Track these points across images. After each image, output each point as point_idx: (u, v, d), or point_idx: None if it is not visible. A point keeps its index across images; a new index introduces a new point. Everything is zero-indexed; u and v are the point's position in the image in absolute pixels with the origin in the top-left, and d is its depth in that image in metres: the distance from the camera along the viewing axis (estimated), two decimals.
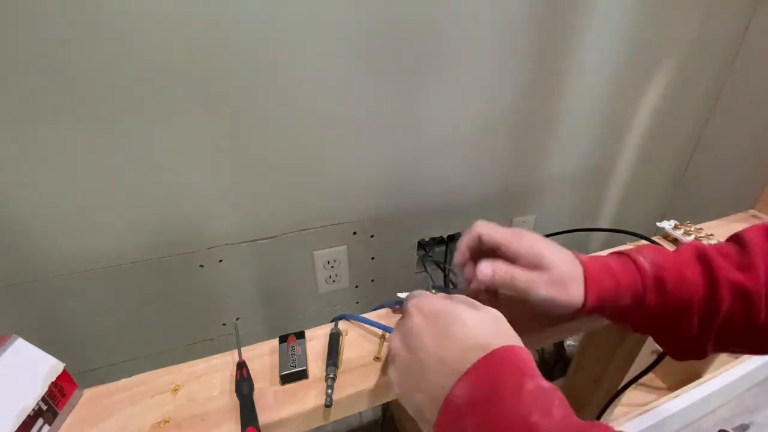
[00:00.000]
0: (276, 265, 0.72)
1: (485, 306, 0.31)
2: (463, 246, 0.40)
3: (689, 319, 0.36)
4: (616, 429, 0.24)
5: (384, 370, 0.40)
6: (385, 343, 0.43)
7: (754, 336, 0.36)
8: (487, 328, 0.28)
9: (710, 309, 0.35)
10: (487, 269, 0.36)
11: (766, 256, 0.35)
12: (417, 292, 0.35)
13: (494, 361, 0.26)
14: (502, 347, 0.26)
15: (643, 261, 0.37)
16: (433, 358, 0.27)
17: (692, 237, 0.60)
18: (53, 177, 0.52)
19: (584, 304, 0.36)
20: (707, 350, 0.38)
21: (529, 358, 0.27)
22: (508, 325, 0.30)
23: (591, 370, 0.69)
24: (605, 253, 0.43)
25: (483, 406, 0.24)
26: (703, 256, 0.37)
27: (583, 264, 0.37)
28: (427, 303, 0.31)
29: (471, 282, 0.39)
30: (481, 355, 0.26)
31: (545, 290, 0.35)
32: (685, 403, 0.79)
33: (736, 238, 0.38)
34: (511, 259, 0.37)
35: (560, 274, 0.36)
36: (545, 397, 0.24)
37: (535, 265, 0.36)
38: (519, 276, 0.36)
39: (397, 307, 0.47)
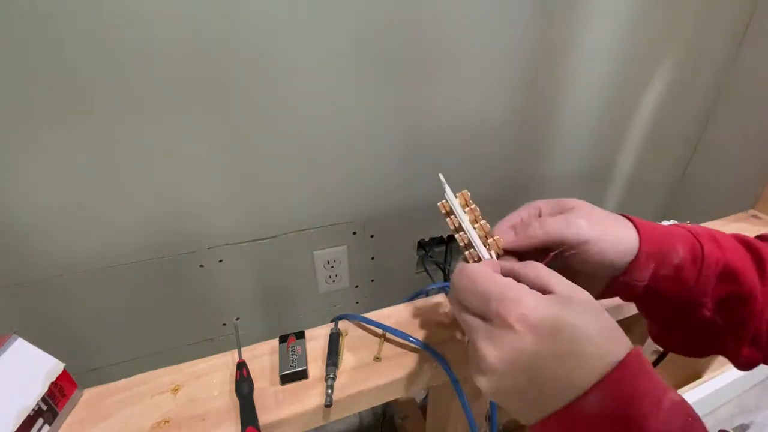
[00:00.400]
0: (276, 265, 0.72)
1: (576, 287, 0.27)
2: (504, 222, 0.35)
3: (747, 307, 0.31)
4: None
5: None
6: (385, 344, 0.43)
7: None
8: (605, 335, 0.24)
9: (760, 303, 0.32)
10: (507, 234, 0.33)
11: None
12: (493, 287, 0.26)
13: (626, 373, 0.23)
14: (631, 355, 0.23)
15: (691, 226, 0.34)
16: (553, 379, 0.24)
17: None
18: (53, 177, 0.52)
19: (639, 251, 0.31)
20: (737, 353, 0.34)
21: (652, 367, 0.24)
22: (610, 317, 0.26)
23: None
24: None
25: (619, 421, 0.22)
26: (751, 245, 0.34)
27: (633, 220, 0.33)
28: (536, 314, 0.24)
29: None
30: (609, 366, 0.23)
31: (586, 227, 0.31)
32: None
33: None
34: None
35: (592, 210, 0.32)
36: (681, 414, 0.22)
37: (560, 209, 0.34)
38: (549, 221, 0.32)
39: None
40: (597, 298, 0.33)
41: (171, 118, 0.53)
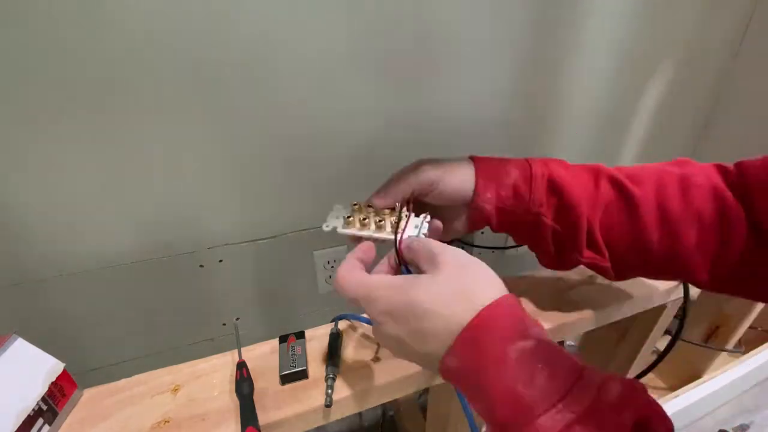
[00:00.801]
0: (276, 265, 0.72)
1: (442, 252, 0.30)
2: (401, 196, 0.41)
3: (574, 212, 0.38)
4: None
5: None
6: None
7: (646, 256, 0.38)
8: (453, 300, 0.27)
9: (593, 202, 0.38)
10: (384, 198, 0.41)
11: (654, 181, 0.39)
12: (355, 291, 0.31)
13: (473, 332, 0.25)
14: (478, 316, 0.25)
15: (534, 160, 0.41)
16: (418, 354, 0.28)
17: None
18: (53, 177, 0.52)
19: (477, 177, 0.39)
20: (580, 255, 0.39)
21: (510, 313, 0.26)
22: (473, 266, 0.29)
23: None
24: None
25: (472, 378, 0.25)
26: (594, 167, 0.42)
27: (472, 158, 0.41)
28: (389, 304, 0.28)
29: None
30: (456, 333, 0.25)
31: (431, 170, 0.39)
32: (685, 403, 0.79)
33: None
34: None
35: (440, 161, 0.40)
36: (529, 362, 0.24)
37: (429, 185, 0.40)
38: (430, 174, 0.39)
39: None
40: (465, 228, 0.45)
41: (171, 118, 0.53)
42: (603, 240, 0.39)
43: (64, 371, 0.37)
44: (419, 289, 0.28)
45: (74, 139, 0.51)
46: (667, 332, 0.60)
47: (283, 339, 0.43)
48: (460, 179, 0.39)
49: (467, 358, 0.25)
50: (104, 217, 0.57)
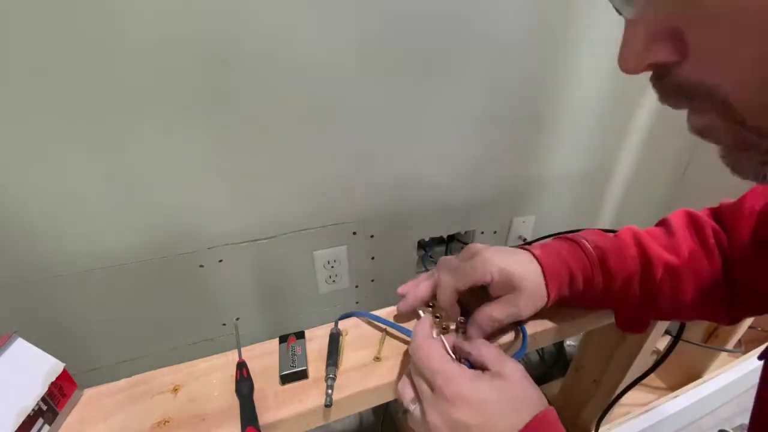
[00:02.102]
0: (276, 265, 0.72)
1: (506, 361, 0.33)
2: (452, 308, 0.42)
3: (630, 293, 0.42)
4: None
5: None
6: (385, 344, 0.43)
7: (683, 309, 0.42)
8: (516, 403, 0.31)
9: (648, 283, 0.41)
10: (476, 332, 0.41)
11: (686, 241, 0.42)
12: (440, 367, 0.33)
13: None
14: (535, 418, 0.30)
15: (588, 244, 0.42)
16: None
17: None
18: (53, 177, 0.52)
19: (548, 300, 0.41)
20: (648, 321, 0.45)
21: (556, 419, 0.31)
22: (528, 381, 0.33)
23: (591, 370, 0.69)
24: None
25: None
26: (637, 238, 0.43)
27: (540, 261, 0.41)
28: (467, 391, 0.31)
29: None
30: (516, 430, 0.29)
31: (526, 312, 0.40)
32: (685, 403, 0.79)
33: (664, 224, 0.45)
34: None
35: (530, 287, 0.40)
36: None
37: (507, 287, 0.40)
38: (502, 315, 0.40)
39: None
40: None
41: (171, 118, 0.53)
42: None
43: (64, 371, 0.37)
44: (495, 387, 0.32)
45: (74, 139, 0.51)
46: (667, 332, 0.60)
47: (283, 339, 0.43)
48: (541, 305, 0.41)
49: None
50: (104, 218, 0.57)
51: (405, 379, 0.36)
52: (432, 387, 0.33)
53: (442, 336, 0.37)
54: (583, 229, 0.46)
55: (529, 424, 0.30)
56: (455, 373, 0.32)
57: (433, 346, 0.35)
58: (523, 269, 0.40)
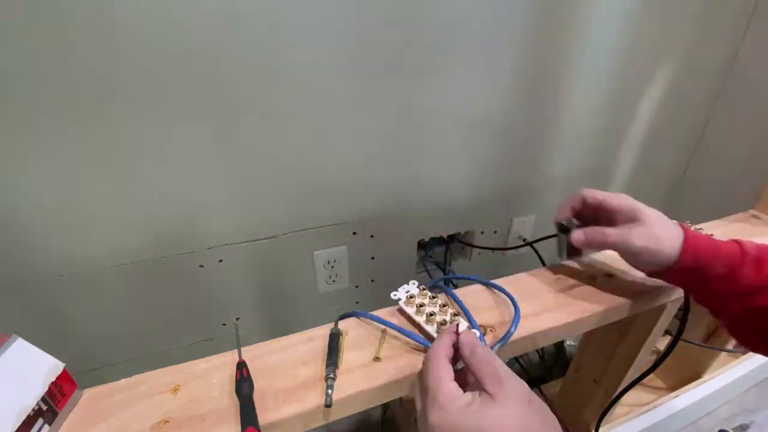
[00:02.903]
0: (276, 265, 0.72)
1: (508, 379, 0.30)
2: (566, 205, 0.44)
3: None
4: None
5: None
6: (385, 344, 0.43)
7: None
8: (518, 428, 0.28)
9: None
10: (579, 235, 0.41)
11: None
12: (433, 384, 0.31)
13: None
14: None
15: (748, 243, 0.40)
16: None
17: None
18: (53, 177, 0.52)
19: (679, 260, 0.39)
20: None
21: None
22: (534, 400, 0.29)
23: (591, 370, 0.69)
24: None
25: None
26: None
27: (684, 228, 0.40)
28: (459, 418, 0.28)
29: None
30: None
31: (639, 240, 0.39)
32: (685, 403, 0.79)
33: None
34: (610, 214, 0.42)
35: (654, 226, 0.39)
36: None
37: (631, 218, 0.40)
38: (611, 232, 0.40)
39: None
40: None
41: (172, 118, 0.53)
42: None
43: (64, 371, 0.37)
44: (491, 419, 0.28)
45: (74, 139, 0.51)
46: (667, 332, 0.60)
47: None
48: (666, 253, 0.40)
49: None
50: (104, 218, 0.57)
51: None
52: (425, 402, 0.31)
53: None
54: None
55: None
56: (446, 395, 0.30)
57: (440, 362, 0.32)
58: (655, 214, 0.40)
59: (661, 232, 0.39)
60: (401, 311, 0.46)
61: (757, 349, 0.42)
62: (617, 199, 0.42)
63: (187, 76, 0.51)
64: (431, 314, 0.43)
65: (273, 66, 0.54)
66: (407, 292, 0.47)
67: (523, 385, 0.30)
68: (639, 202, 0.42)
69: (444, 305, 0.45)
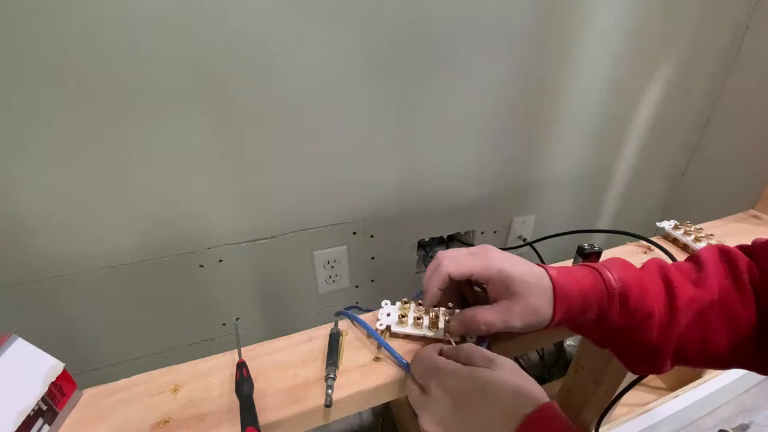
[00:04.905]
0: (276, 265, 0.72)
1: (497, 356, 0.33)
2: (433, 289, 0.39)
3: (649, 331, 0.37)
4: None
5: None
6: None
7: (710, 352, 0.37)
8: (512, 393, 0.30)
9: (669, 320, 0.37)
10: (455, 326, 0.39)
11: (718, 276, 0.38)
12: (425, 359, 0.36)
13: (537, 423, 0.28)
14: (541, 408, 0.29)
15: (610, 276, 0.38)
16: None
17: (692, 237, 0.60)
18: (53, 177, 0.52)
19: (552, 320, 0.37)
20: (666, 364, 0.38)
21: (560, 415, 0.29)
22: (525, 373, 0.32)
23: (591, 370, 0.69)
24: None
25: None
26: (663, 271, 0.39)
27: (552, 279, 0.37)
28: (450, 382, 0.32)
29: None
30: (518, 422, 0.28)
31: (520, 320, 0.36)
32: (685, 403, 0.79)
33: (694, 258, 0.41)
34: (482, 283, 0.39)
35: (530, 296, 0.36)
36: None
37: (504, 290, 0.37)
38: (492, 320, 0.37)
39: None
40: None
41: (171, 118, 0.53)
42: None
43: (64, 371, 0.37)
44: (487, 377, 0.31)
45: (74, 138, 0.51)
46: None
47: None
48: (543, 322, 0.37)
49: None
50: (104, 218, 0.57)
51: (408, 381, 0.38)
52: (422, 387, 0.35)
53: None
54: (608, 259, 0.41)
55: (532, 415, 0.28)
56: (440, 364, 0.34)
57: (425, 350, 0.37)
58: (527, 278, 0.37)
59: (537, 301, 0.37)
60: (393, 334, 0.43)
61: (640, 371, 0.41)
62: (487, 271, 0.37)
63: (187, 76, 0.51)
64: (418, 318, 0.42)
65: (275, 67, 0.54)
66: (388, 314, 0.44)
67: (511, 361, 0.33)
68: (507, 261, 0.38)
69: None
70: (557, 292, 0.37)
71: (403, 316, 0.43)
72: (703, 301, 0.37)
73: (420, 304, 0.44)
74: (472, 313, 0.38)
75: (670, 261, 0.51)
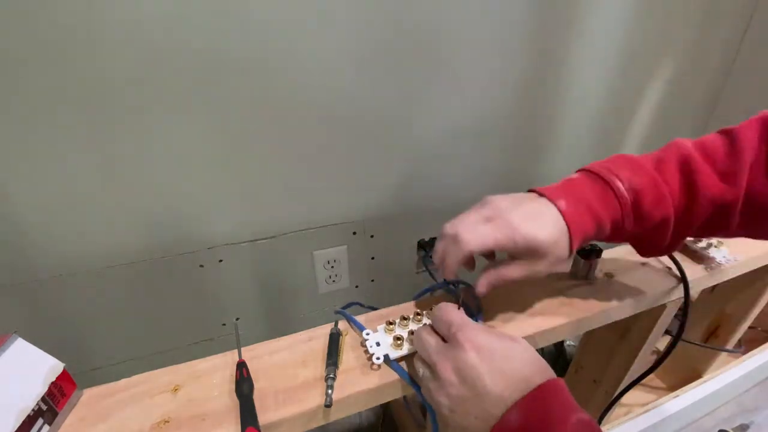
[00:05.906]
0: (276, 265, 0.72)
1: (516, 337, 0.34)
2: (453, 266, 0.38)
3: (663, 234, 0.38)
4: None
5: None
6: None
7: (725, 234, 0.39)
8: (530, 363, 0.32)
9: (685, 223, 0.37)
10: (482, 288, 0.39)
11: (754, 167, 0.34)
12: (456, 318, 0.35)
13: (543, 394, 0.29)
14: (549, 382, 0.30)
15: (620, 186, 0.36)
16: (489, 392, 0.30)
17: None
18: (53, 177, 0.52)
19: (569, 255, 0.37)
20: (676, 249, 0.41)
21: (568, 392, 0.30)
22: (538, 354, 0.34)
23: (591, 370, 0.69)
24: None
25: None
26: (686, 165, 0.36)
27: (565, 217, 0.36)
28: (479, 338, 0.33)
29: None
30: (530, 388, 0.29)
31: (545, 271, 0.38)
32: (685, 403, 0.79)
33: (729, 134, 0.36)
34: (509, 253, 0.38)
35: (556, 252, 0.36)
36: (586, 429, 0.28)
37: (531, 254, 0.37)
38: (518, 276, 0.38)
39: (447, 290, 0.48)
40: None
41: (171, 118, 0.53)
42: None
43: (64, 371, 0.37)
44: (506, 344, 0.33)
45: (74, 138, 0.51)
46: (667, 332, 0.60)
47: None
48: (564, 262, 0.38)
49: (533, 415, 0.28)
50: (104, 217, 0.57)
51: (417, 356, 0.37)
52: (446, 338, 0.34)
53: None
54: (616, 158, 0.39)
55: (542, 386, 0.29)
56: (470, 323, 0.35)
57: (450, 305, 0.37)
58: (549, 234, 0.35)
59: (560, 251, 0.36)
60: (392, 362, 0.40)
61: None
62: (510, 242, 0.36)
63: (187, 75, 0.51)
64: (411, 333, 0.41)
65: (275, 67, 0.54)
66: (377, 344, 0.41)
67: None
68: (527, 228, 0.36)
69: (418, 313, 0.43)
70: (572, 231, 0.36)
71: (398, 339, 0.40)
72: (728, 200, 0.34)
73: (405, 318, 0.42)
74: (497, 273, 0.38)
75: (671, 257, 0.51)
